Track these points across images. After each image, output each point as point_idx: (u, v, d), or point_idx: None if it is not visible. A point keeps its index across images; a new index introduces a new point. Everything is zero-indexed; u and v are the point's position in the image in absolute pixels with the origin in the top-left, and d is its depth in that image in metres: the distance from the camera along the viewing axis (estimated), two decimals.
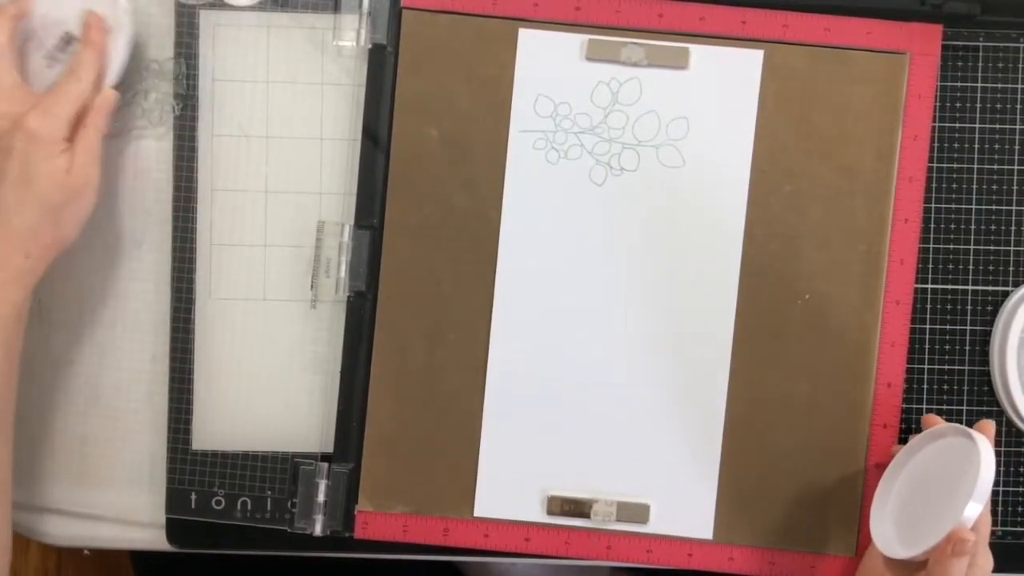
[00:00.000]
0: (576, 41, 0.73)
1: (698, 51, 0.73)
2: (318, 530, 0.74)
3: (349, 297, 0.74)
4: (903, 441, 0.72)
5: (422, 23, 0.74)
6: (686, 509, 0.74)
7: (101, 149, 0.71)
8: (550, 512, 0.74)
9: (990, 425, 0.68)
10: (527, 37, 0.74)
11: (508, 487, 0.74)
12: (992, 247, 0.75)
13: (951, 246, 0.75)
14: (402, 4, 0.74)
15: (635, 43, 0.73)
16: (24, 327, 0.69)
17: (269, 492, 0.75)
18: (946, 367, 0.75)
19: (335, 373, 0.75)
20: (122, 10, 0.73)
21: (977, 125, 0.75)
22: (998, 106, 0.75)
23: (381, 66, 0.74)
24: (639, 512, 0.74)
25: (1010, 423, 0.75)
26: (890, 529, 0.69)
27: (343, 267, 0.74)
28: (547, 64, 0.73)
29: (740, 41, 0.73)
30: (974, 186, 0.75)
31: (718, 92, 0.73)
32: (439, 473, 0.74)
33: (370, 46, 0.74)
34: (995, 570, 0.67)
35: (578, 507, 0.74)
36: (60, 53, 0.73)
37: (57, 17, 0.73)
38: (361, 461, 0.74)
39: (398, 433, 0.74)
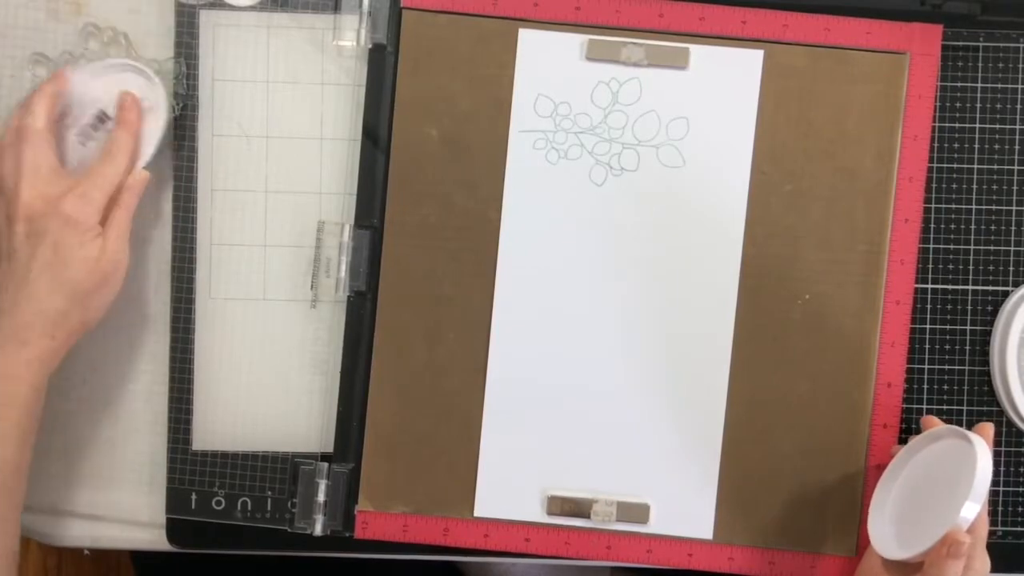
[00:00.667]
0: (576, 41, 0.73)
1: (698, 51, 0.73)
2: (318, 530, 0.74)
3: (349, 297, 0.74)
4: (903, 442, 0.72)
5: (422, 23, 0.74)
6: (686, 509, 0.74)
7: (130, 231, 0.71)
8: (550, 512, 0.74)
9: (989, 427, 0.68)
10: (527, 37, 0.74)
11: (508, 487, 0.74)
12: (992, 247, 0.75)
13: (951, 246, 0.75)
14: (402, 4, 0.74)
15: (635, 43, 0.73)
16: (42, 408, 0.68)
17: (269, 492, 0.75)
18: (946, 367, 0.75)
19: (335, 373, 0.75)
20: (158, 92, 0.73)
21: (977, 125, 0.75)
22: (998, 106, 0.75)
23: (381, 66, 0.74)
24: (639, 512, 0.74)
25: (1010, 423, 0.75)
26: (888, 530, 0.69)
27: (343, 267, 0.74)
28: (547, 64, 0.73)
29: (740, 41, 0.73)
30: (974, 186, 0.75)
31: (718, 92, 0.73)
32: (439, 473, 0.74)
33: (370, 46, 0.74)
34: (995, 570, 0.67)
35: (578, 507, 0.74)
36: (94, 131, 0.73)
37: (93, 96, 0.73)
38: (361, 461, 0.74)
39: (398, 433, 0.74)
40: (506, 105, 0.74)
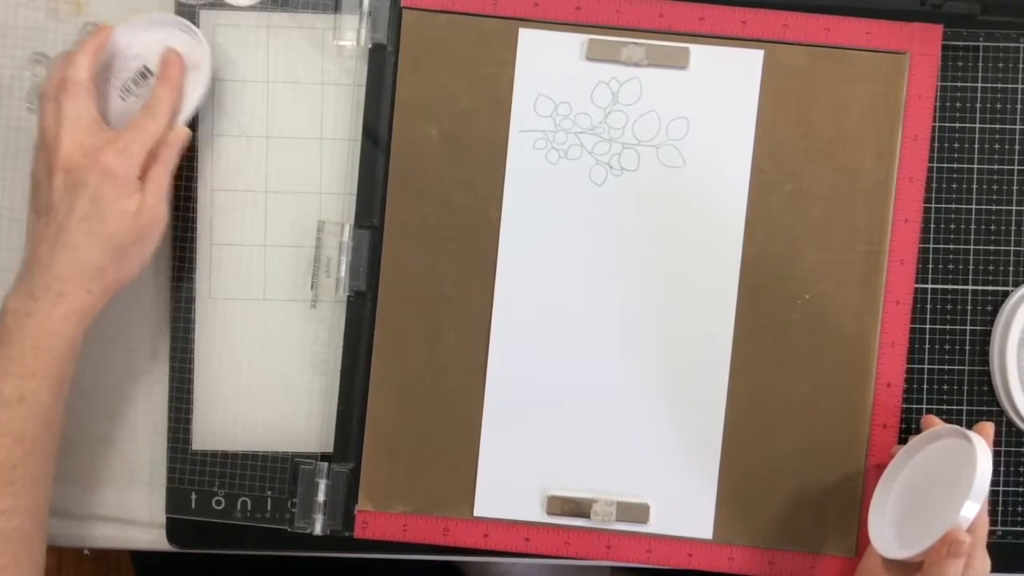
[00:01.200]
0: (576, 41, 0.73)
1: (698, 51, 0.73)
2: (318, 530, 0.74)
3: (349, 297, 0.74)
4: (903, 441, 0.72)
5: (422, 23, 0.74)
6: (686, 509, 0.74)
7: (170, 187, 0.70)
8: (550, 512, 0.74)
9: (989, 427, 0.68)
10: (527, 37, 0.73)
11: (508, 487, 0.74)
12: (992, 247, 0.75)
13: (951, 246, 0.75)
14: (402, 4, 0.73)
15: (635, 43, 0.73)
16: (75, 367, 0.68)
17: (269, 492, 0.75)
18: (946, 367, 0.75)
19: (335, 373, 0.75)
20: (202, 49, 0.72)
21: (977, 125, 0.75)
22: (998, 106, 0.75)
23: (381, 66, 0.74)
24: (639, 512, 0.74)
25: (1010, 423, 0.75)
26: (888, 530, 0.69)
27: (343, 267, 0.74)
28: (547, 64, 0.73)
29: (740, 41, 0.73)
30: (974, 186, 0.75)
31: (718, 92, 0.73)
32: (439, 473, 0.74)
33: (370, 46, 0.74)
34: (995, 570, 0.67)
35: (578, 507, 0.74)
36: (135, 86, 0.73)
37: (135, 51, 0.73)
38: (361, 461, 0.74)
39: (398, 433, 0.74)
40: (506, 105, 0.74)
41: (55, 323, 0.65)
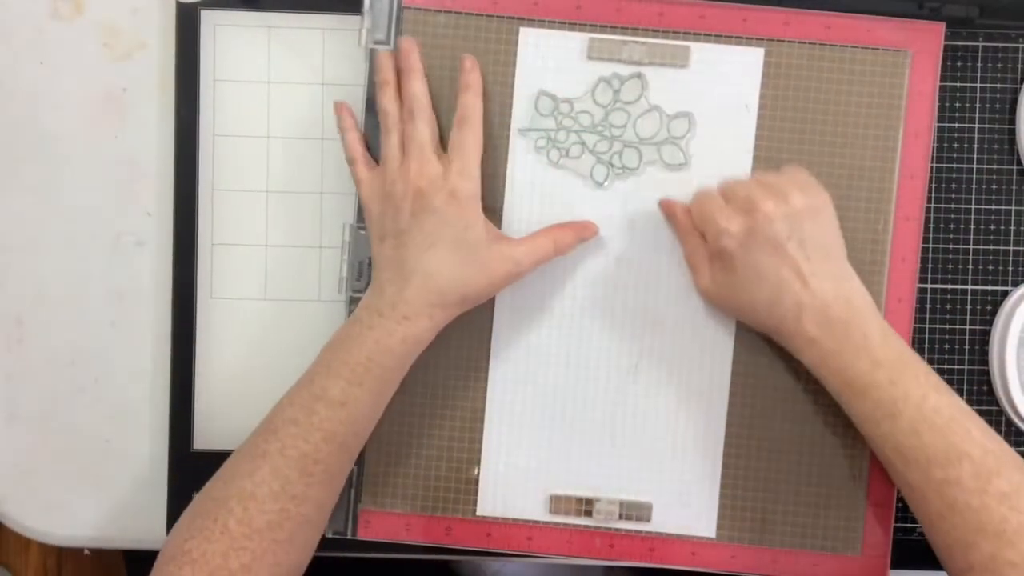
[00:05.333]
0: (577, 40, 0.73)
1: (699, 49, 0.73)
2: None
3: (351, 296, 0.74)
4: None
5: (423, 22, 0.74)
6: (689, 508, 0.74)
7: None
8: (553, 511, 0.74)
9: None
10: (528, 36, 0.74)
11: (510, 486, 0.74)
12: (992, 247, 0.76)
13: (951, 246, 0.75)
14: (403, 3, 0.74)
15: (636, 41, 0.73)
16: (396, 386, 0.70)
17: None
18: (946, 367, 0.75)
19: None
20: None
21: (977, 125, 0.75)
22: (998, 106, 0.75)
23: None
24: (642, 511, 0.74)
25: (1010, 423, 0.75)
26: None
27: (344, 267, 0.74)
28: (548, 63, 0.73)
29: (741, 39, 0.73)
30: (974, 186, 0.75)
31: (719, 90, 0.73)
32: (441, 472, 0.74)
33: (371, 46, 0.74)
34: None
35: (580, 506, 0.74)
36: None
37: None
38: (364, 461, 0.74)
39: (400, 432, 0.74)
40: (507, 104, 0.74)
41: (393, 343, 0.67)
